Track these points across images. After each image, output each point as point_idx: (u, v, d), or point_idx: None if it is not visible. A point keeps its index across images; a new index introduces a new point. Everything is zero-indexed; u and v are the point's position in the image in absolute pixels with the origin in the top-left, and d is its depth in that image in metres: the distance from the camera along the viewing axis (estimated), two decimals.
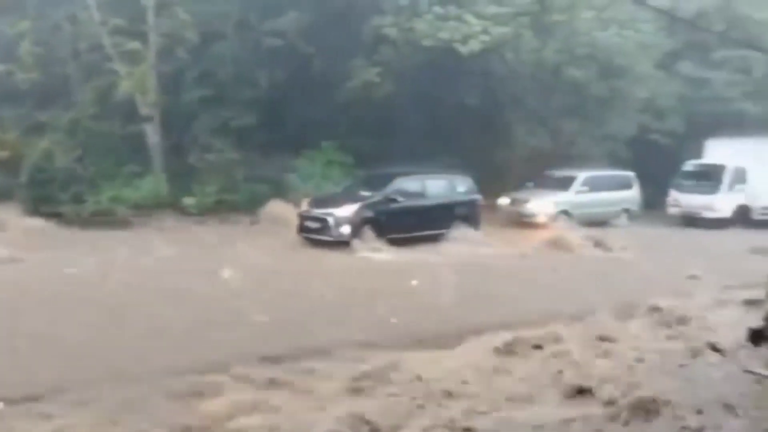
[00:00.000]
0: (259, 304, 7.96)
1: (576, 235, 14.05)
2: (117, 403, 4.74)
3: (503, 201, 16.75)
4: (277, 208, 14.96)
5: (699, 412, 4.70)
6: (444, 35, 15.78)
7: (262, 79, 16.62)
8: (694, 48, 20.58)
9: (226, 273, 9.70)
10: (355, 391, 4.92)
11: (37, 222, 13.37)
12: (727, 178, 18.10)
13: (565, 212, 16.30)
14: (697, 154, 19.11)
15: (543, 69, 17.38)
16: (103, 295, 8.13)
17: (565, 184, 16.99)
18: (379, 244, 12.45)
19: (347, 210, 12.80)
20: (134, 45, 15.72)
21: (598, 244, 13.69)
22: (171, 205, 15.21)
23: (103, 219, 14.03)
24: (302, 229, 13.16)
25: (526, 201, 16.47)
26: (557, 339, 6.41)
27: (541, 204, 16.27)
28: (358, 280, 9.89)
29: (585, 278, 10.41)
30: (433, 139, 16.90)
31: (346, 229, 12.60)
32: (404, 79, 16.76)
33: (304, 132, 16.76)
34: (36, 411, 4.65)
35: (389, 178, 13.65)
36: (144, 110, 16.04)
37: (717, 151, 18.69)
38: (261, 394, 4.83)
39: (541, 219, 15.83)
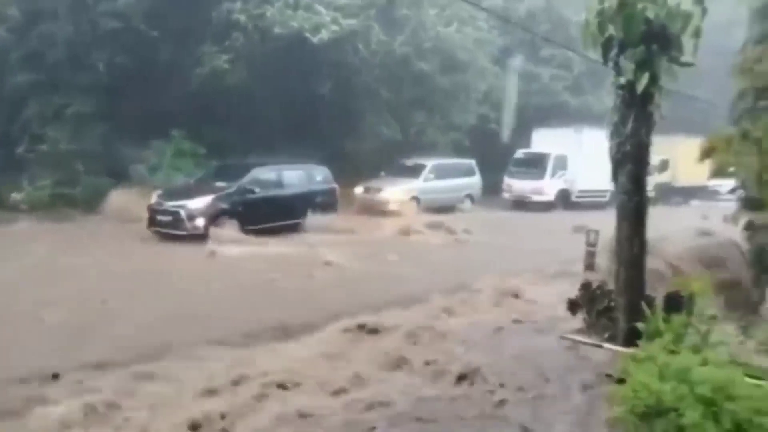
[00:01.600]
0: (100, 309, 7.66)
1: (424, 221, 15.06)
2: None
3: (358, 189, 17.37)
4: (121, 200, 14.19)
5: (518, 376, 5.38)
6: (294, 24, 15.91)
7: (101, 63, 15.50)
8: (524, 45, 22.73)
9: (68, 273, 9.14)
10: (207, 391, 4.94)
11: None
12: (550, 165, 20.37)
13: (415, 199, 17.36)
14: (528, 143, 21.24)
15: (392, 61, 18.16)
16: None
17: (414, 172, 18.10)
18: (236, 235, 12.25)
19: (201, 202, 12.48)
20: None
21: (445, 228, 14.78)
22: None
23: None
24: (152, 223, 12.60)
25: (379, 189, 17.27)
26: (395, 324, 6.94)
27: (394, 192, 17.15)
28: (210, 276, 9.78)
29: (431, 262, 11.30)
30: (287, 129, 16.98)
31: (199, 222, 12.30)
32: (256, 68, 16.61)
33: (151, 120, 15.95)
34: None
35: (245, 169, 13.54)
36: None
37: (541, 140, 20.94)
38: (99, 402, 4.70)
39: (393, 206, 16.69)
